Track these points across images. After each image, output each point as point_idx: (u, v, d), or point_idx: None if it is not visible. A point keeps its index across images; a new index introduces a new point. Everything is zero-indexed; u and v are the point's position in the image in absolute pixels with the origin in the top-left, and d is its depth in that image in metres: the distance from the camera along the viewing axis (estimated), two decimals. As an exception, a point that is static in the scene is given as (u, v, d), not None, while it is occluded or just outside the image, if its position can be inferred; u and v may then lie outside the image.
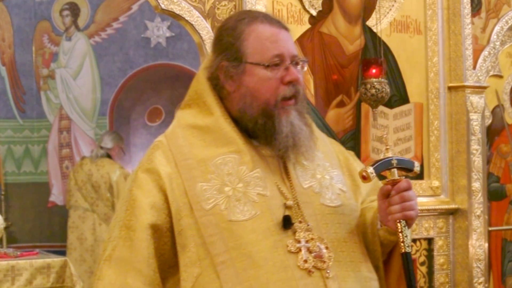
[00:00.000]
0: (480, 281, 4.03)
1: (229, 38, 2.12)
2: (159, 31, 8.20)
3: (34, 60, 8.36)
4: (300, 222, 2.05)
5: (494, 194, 4.86)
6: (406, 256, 2.06)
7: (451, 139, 4.07)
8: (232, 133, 2.09)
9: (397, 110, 3.95)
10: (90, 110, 8.29)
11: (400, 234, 2.06)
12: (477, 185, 4.06)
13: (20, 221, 7.85)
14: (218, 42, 2.17)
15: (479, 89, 4.10)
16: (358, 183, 2.24)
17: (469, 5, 4.05)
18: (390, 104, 3.89)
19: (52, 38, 8.33)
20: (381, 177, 2.13)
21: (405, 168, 2.14)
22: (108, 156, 7.05)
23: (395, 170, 2.09)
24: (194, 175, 2.05)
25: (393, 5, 3.95)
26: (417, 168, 2.14)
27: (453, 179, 4.07)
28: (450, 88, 4.05)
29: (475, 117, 4.07)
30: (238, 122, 2.11)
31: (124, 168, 7.16)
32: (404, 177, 2.10)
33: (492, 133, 4.87)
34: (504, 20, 4.25)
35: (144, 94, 8.49)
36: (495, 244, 4.91)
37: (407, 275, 2.07)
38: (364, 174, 2.06)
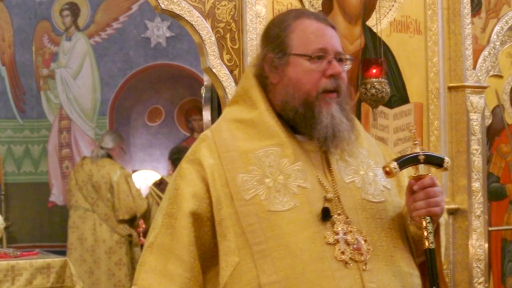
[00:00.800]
0: (480, 281, 4.03)
1: (276, 30, 2.19)
2: (159, 31, 8.20)
3: (34, 60, 8.36)
4: (339, 214, 2.07)
5: (494, 194, 4.86)
6: (430, 252, 2.08)
7: (451, 139, 4.07)
8: (275, 127, 2.14)
9: (397, 110, 3.95)
10: (90, 110, 8.30)
11: (424, 230, 2.07)
12: (477, 185, 4.05)
13: (20, 221, 7.86)
14: (266, 35, 2.24)
15: (479, 89, 4.10)
16: (402, 184, 2.26)
17: (469, 5, 4.04)
18: (390, 104, 3.89)
19: (52, 38, 8.33)
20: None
21: (434, 163, 2.14)
22: (109, 156, 7.05)
23: (421, 166, 2.09)
24: (236, 166, 2.09)
25: (393, 5, 3.95)
26: (447, 164, 2.15)
27: (453, 179, 4.06)
28: (450, 88, 4.05)
29: (475, 117, 4.06)
30: (281, 116, 2.16)
31: (124, 169, 7.16)
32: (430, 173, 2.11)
33: (492, 133, 4.86)
34: (504, 20, 4.25)
35: (144, 94, 8.49)
36: (495, 244, 4.91)
37: (429, 271, 2.08)
38: (387, 169, 2.07)
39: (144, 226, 7.37)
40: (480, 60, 4.13)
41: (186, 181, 2.10)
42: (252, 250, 2.01)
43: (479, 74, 4.11)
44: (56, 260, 5.65)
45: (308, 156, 2.12)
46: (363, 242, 2.05)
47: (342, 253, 2.01)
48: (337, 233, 2.03)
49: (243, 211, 2.03)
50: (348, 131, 2.14)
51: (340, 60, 2.15)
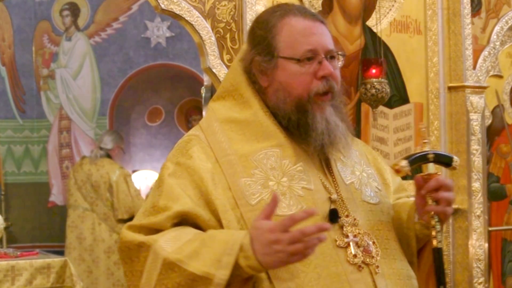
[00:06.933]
0: (480, 281, 4.03)
1: (261, 32, 2.07)
2: (159, 31, 8.20)
3: (34, 60, 8.36)
4: (347, 216, 2.01)
5: (494, 194, 4.86)
6: (438, 252, 2.03)
7: (451, 139, 4.07)
8: (272, 127, 2.04)
9: (397, 110, 3.95)
10: (90, 110, 8.29)
11: (433, 229, 2.03)
12: (477, 185, 4.06)
13: (20, 221, 7.85)
14: (252, 35, 2.12)
15: (479, 89, 4.10)
16: (388, 182, 2.23)
17: (469, 5, 4.05)
18: (390, 104, 3.89)
19: (52, 38, 8.33)
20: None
21: (443, 162, 2.10)
22: (108, 156, 7.05)
23: (431, 165, 2.04)
24: (236, 170, 1.99)
25: (393, 5, 3.95)
26: (456, 163, 2.10)
27: (453, 179, 4.06)
28: (450, 88, 4.06)
29: (475, 117, 4.07)
30: (276, 116, 2.06)
31: (124, 168, 7.15)
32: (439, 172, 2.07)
33: (492, 133, 4.86)
34: (504, 20, 4.25)
35: (144, 94, 8.49)
36: (495, 244, 4.91)
37: (437, 271, 2.04)
38: (397, 167, 2.02)
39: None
40: (480, 60, 4.13)
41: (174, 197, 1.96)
42: None
43: (479, 74, 4.11)
44: (56, 260, 5.65)
45: (307, 156, 2.05)
46: (372, 245, 2.00)
47: (355, 256, 1.95)
48: (347, 236, 1.97)
49: (250, 216, 1.92)
50: (344, 135, 2.06)
51: (332, 57, 2.05)
